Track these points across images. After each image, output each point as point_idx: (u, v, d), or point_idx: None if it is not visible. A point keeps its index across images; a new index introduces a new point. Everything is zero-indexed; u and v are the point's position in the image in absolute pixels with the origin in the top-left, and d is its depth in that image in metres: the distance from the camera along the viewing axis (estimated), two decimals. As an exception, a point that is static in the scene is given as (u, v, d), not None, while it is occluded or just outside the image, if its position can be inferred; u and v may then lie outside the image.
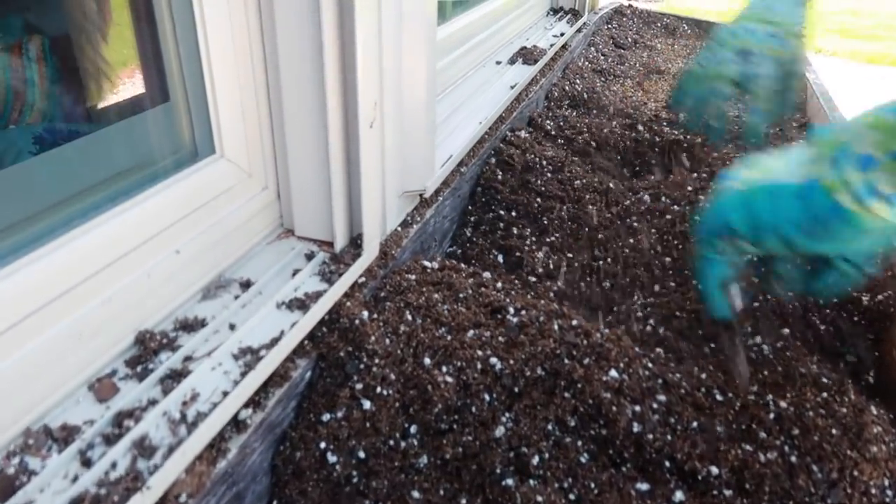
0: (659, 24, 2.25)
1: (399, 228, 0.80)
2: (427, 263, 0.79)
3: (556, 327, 0.68)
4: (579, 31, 1.82)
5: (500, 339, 0.66)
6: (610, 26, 2.16)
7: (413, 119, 0.78)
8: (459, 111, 1.07)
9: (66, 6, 0.85)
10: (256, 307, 0.59)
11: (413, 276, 0.75)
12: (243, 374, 0.52)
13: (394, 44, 0.71)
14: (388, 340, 0.64)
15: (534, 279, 0.88)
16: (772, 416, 0.62)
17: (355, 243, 0.70)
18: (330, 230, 0.68)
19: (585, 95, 1.48)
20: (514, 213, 0.99)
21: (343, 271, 0.65)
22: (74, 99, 0.90)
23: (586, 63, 1.72)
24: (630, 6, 2.37)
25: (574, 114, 1.40)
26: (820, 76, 1.75)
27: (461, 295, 0.72)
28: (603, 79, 1.64)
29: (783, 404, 0.64)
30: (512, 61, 1.36)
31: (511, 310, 0.70)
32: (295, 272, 0.65)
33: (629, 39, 2.04)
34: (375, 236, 0.71)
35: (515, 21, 1.56)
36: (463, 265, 0.82)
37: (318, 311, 0.61)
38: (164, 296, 0.56)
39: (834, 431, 0.61)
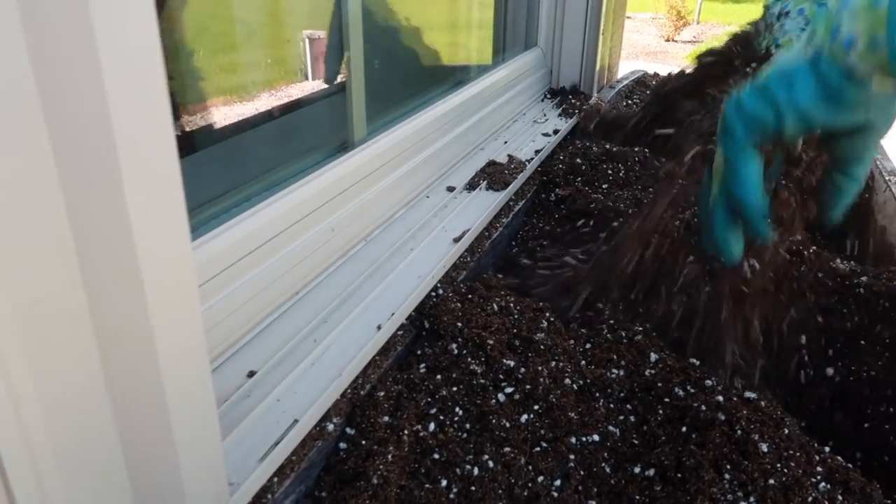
0: (691, 99, 1.84)
1: None
2: None
3: None
4: (586, 116, 1.42)
5: None
6: (630, 102, 1.76)
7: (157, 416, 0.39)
8: (349, 303, 0.67)
9: None
10: None
11: None
12: None
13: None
14: None
15: None
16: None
17: None
18: None
19: (581, 222, 1.08)
20: None
21: None
22: None
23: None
24: (655, 74, 1.97)
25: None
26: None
27: None
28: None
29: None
30: (472, 185, 0.97)
31: None
32: None
33: (653, 121, 1.63)
34: None
35: (493, 116, 1.18)
36: None
37: None
38: None
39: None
